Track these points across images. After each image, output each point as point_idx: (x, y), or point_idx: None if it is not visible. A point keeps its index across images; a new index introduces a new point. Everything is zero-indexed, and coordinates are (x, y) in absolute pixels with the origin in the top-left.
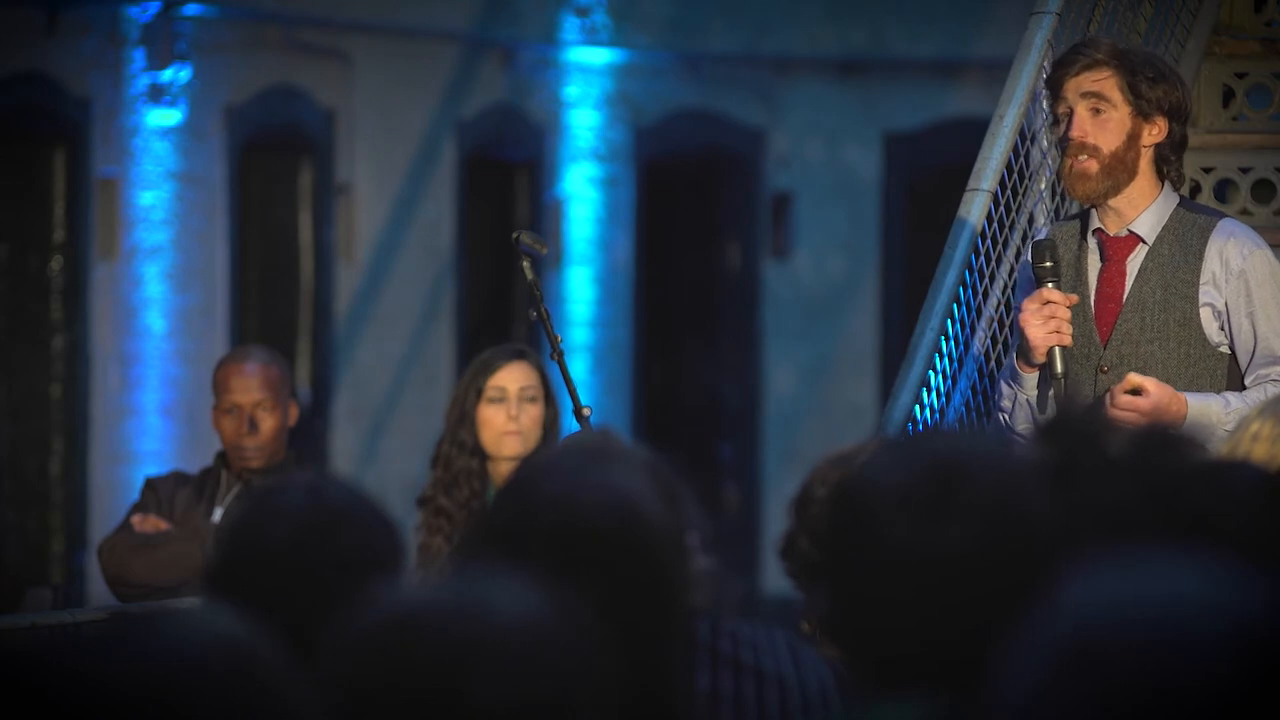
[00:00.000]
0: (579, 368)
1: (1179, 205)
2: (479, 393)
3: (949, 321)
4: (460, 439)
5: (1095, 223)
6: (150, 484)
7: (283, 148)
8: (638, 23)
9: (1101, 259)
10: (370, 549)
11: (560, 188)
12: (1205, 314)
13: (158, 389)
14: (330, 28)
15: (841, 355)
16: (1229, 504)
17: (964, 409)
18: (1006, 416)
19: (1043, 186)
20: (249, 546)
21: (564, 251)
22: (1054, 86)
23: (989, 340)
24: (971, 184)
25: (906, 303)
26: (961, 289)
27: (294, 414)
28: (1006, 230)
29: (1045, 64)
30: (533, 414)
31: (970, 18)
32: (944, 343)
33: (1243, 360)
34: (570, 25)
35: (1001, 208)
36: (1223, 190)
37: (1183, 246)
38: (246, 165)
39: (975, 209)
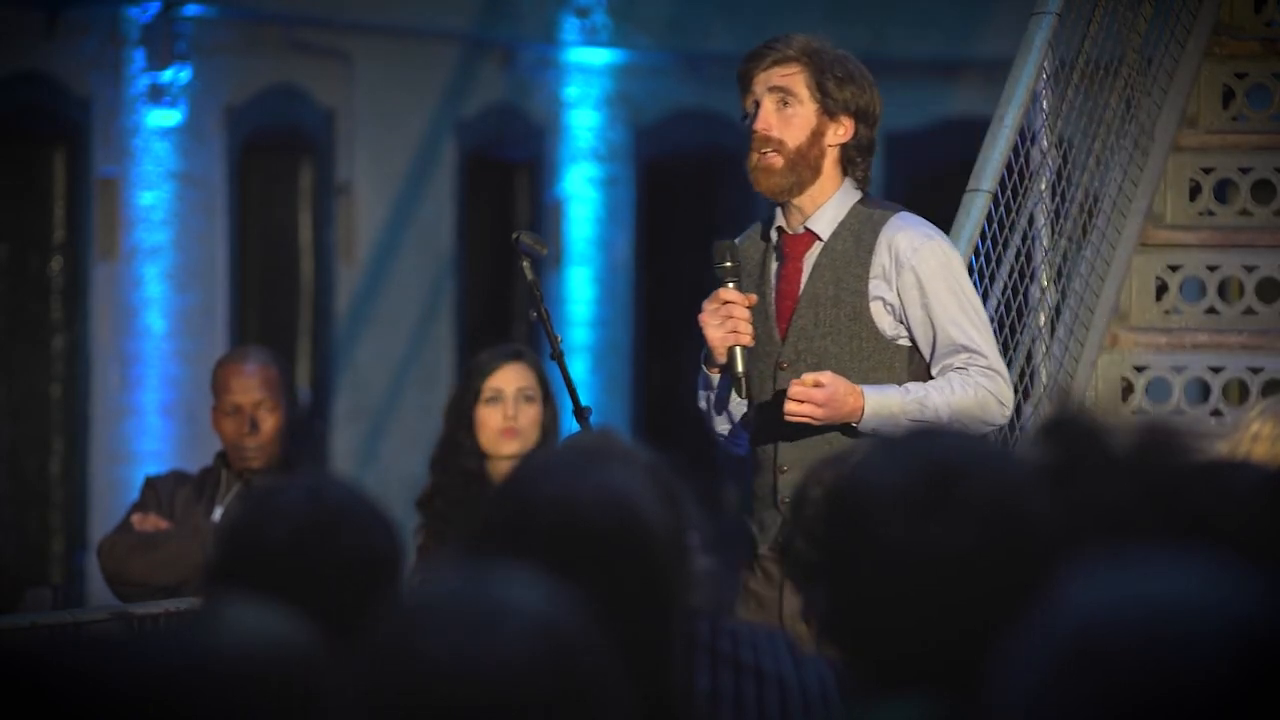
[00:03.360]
0: (579, 368)
1: (858, 202)
2: (476, 394)
3: None
4: (459, 440)
5: (779, 220)
6: (150, 483)
7: (283, 148)
8: (638, 23)
9: (781, 256)
10: (370, 549)
11: (560, 188)
12: (876, 308)
13: (158, 389)
14: (330, 28)
15: None
16: (1229, 504)
17: None
18: (703, 417)
19: (1043, 186)
20: (249, 546)
21: (564, 251)
22: (742, 80)
23: None
24: (971, 184)
25: None
26: None
27: (293, 413)
28: (1006, 230)
29: (1045, 64)
30: (530, 414)
31: (970, 18)
32: None
33: (925, 352)
34: (570, 25)
35: (1001, 208)
36: (1223, 190)
37: (856, 242)
38: (246, 165)
39: (975, 209)
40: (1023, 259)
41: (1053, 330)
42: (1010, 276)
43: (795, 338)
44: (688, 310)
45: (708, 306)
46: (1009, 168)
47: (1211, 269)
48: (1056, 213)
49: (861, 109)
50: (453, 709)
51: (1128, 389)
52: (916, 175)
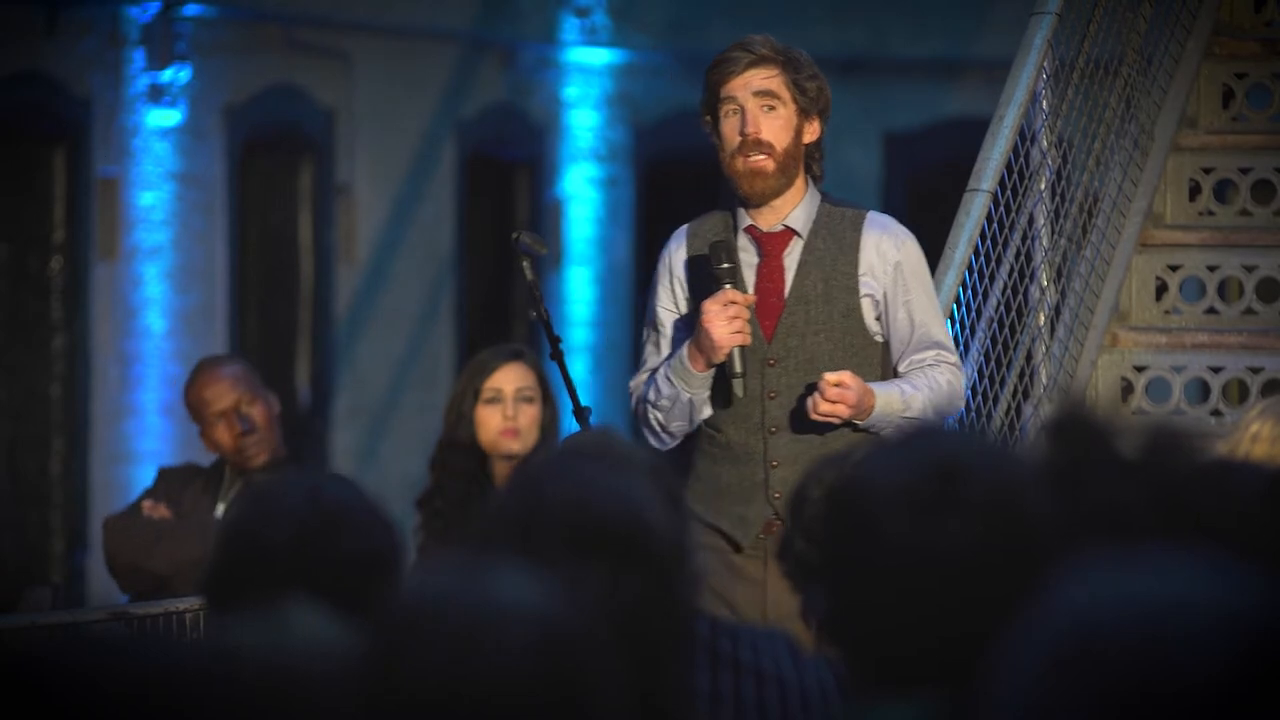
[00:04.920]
0: (579, 368)
1: (822, 199)
2: (476, 394)
3: (949, 322)
4: (458, 440)
5: (746, 220)
6: (163, 474)
7: (283, 148)
8: (638, 23)
9: (760, 254)
10: (369, 546)
11: (560, 188)
12: (865, 304)
13: (158, 389)
14: (330, 27)
15: None
16: (1230, 504)
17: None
18: (660, 415)
19: (1042, 186)
20: (249, 547)
21: (564, 251)
22: (716, 85)
23: (989, 340)
24: (971, 184)
25: None
26: (961, 289)
27: (275, 403)
28: (1006, 230)
29: (1045, 64)
30: (530, 414)
31: (970, 18)
32: None
33: (897, 348)
34: (570, 25)
35: (1001, 208)
36: (1223, 190)
37: (836, 239)
38: (246, 165)
39: (975, 209)
40: (1023, 259)
41: (1053, 330)
42: (1010, 276)
43: (785, 335)
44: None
45: (712, 306)
46: (1009, 167)
47: (1211, 269)
48: (1056, 213)
49: (824, 107)
50: (451, 708)
51: (1128, 389)
52: (916, 175)
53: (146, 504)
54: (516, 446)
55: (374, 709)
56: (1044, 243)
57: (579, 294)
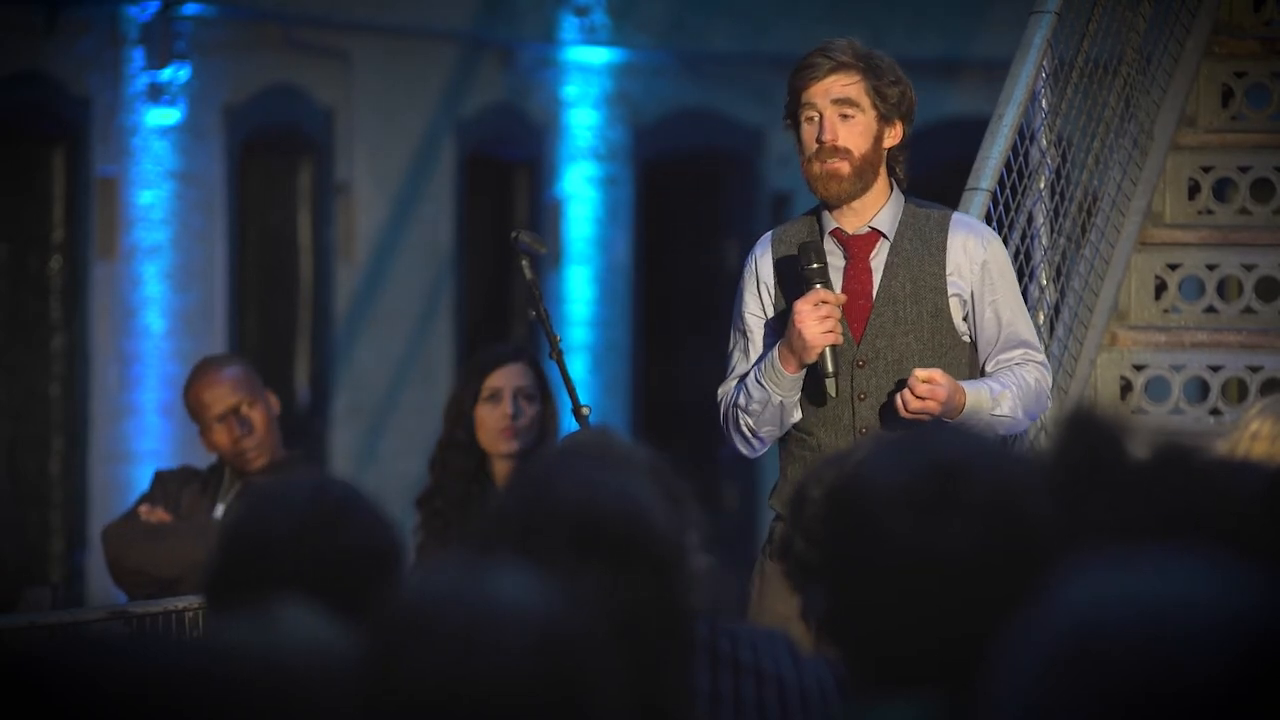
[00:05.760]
0: (578, 367)
1: (907, 201)
2: (475, 393)
3: None
4: (458, 439)
5: (831, 223)
6: (159, 477)
7: (282, 147)
8: (638, 23)
9: (845, 257)
10: (371, 543)
11: (559, 187)
12: (953, 304)
13: (157, 388)
14: (329, 27)
15: None
16: (1230, 504)
17: None
18: (750, 420)
19: (1042, 185)
20: (249, 546)
21: (563, 251)
22: (797, 90)
23: None
24: (971, 183)
25: None
26: None
27: (275, 404)
28: (1005, 229)
29: (1044, 63)
30: (530, 413)
31: (970, 18)
32: None
33: (984, 348)
34: (570, 25)
35: (1000, 207)
36: (1222, 190)
37: (923, 240)
38: (246, 165)
39: (974, 208)
40: (1022, 258)
41: (1052, 330)
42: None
43: (873, 336)
44: (688, 310)
45: (804, 307)
46: (1008, 167)
47: (1210, 268)
48: (1056, 212)
49: (907, 111)
50: (450, 708)
51: (1127, 388)
52: (915, 174)
53: (143, 509)
54: (516, 445)
55: (373, 709)
56: (1043, 242)
57: (578, 293)
